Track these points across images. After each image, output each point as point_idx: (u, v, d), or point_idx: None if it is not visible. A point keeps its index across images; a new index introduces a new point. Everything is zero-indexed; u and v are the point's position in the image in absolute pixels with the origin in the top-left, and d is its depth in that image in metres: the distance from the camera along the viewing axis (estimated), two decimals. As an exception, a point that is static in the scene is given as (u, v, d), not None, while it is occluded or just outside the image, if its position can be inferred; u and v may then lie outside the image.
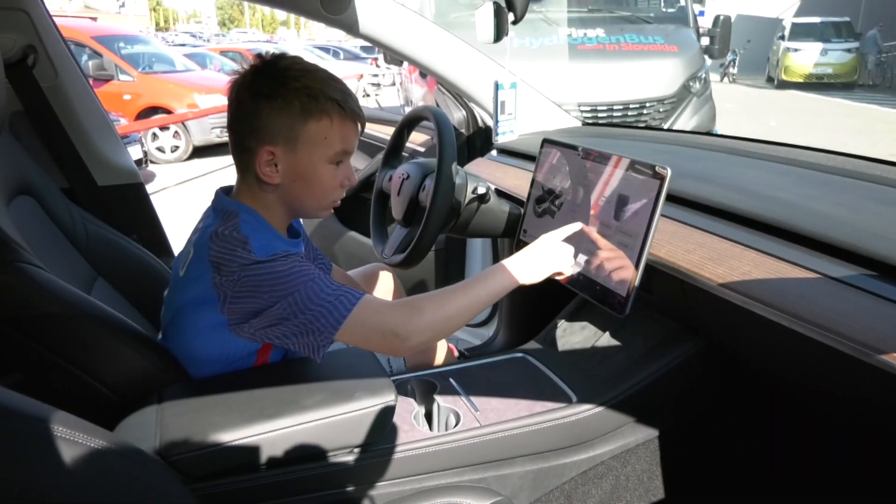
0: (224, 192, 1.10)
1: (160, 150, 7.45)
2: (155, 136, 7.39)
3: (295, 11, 1.68)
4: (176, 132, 7.47)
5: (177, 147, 7.54)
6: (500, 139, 1.73)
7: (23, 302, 0.98)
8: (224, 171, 6.79)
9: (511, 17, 1.53)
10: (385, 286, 1.61)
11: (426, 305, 1.03)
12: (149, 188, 1.88)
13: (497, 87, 1.65)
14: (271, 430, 0.96)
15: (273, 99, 1.00)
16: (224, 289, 0.98)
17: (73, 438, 0.77)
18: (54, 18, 1.57)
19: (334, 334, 0.99)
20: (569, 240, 1.18)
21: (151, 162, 6.89)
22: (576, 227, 1.17)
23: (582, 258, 1.16)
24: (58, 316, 1.00)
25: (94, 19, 11.09)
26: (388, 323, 1.00)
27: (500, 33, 1.58)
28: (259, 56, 1.04)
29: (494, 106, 1.68)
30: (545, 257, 1.14)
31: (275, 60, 1.03)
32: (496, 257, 2.02)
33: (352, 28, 1.63)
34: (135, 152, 5.89)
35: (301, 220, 1.31)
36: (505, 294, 1.10)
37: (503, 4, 1.57)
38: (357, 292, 1.01)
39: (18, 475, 0.68)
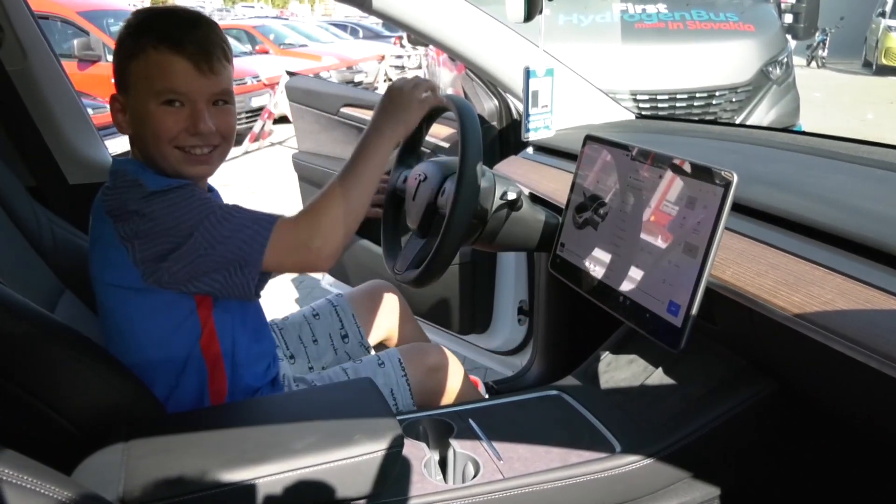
0: None
1: (150, 141, 7.57)
2: (145, 125, 7.52)
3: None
4: (169, 121, 7.59)
5: (170, 138, 7.66)
6: (532, 136, 1.71)
7: None
8: (224, 164, 6.84)
9: (547, -10, 1.52)
10: (389, 305, 1.62)
11: (325, 203, 1.10)
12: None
13: (528, 74, 1.63)
14: (253, 477, 0.95)
15: (116, 46, 1.12)
16: (128, 236, 1.05)
17: (22, 483, 0.76)
18: None
19: (261, 263, 1.04)
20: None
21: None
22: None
23: (629, 280, 1.14)
24: (10, 336, 1.00)
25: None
26: (300, 236, 1.08)
27: (531, 11, 1.56)
28: None
29: (525, 97, 1.66)
30: (410, 99, 1.23)
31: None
32: (532, 272, 2.00)
33: (362, 3, 1.62)
34: (121, 144, 5.97)
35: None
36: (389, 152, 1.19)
37: None
38: (270, 214, 1.07)
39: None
